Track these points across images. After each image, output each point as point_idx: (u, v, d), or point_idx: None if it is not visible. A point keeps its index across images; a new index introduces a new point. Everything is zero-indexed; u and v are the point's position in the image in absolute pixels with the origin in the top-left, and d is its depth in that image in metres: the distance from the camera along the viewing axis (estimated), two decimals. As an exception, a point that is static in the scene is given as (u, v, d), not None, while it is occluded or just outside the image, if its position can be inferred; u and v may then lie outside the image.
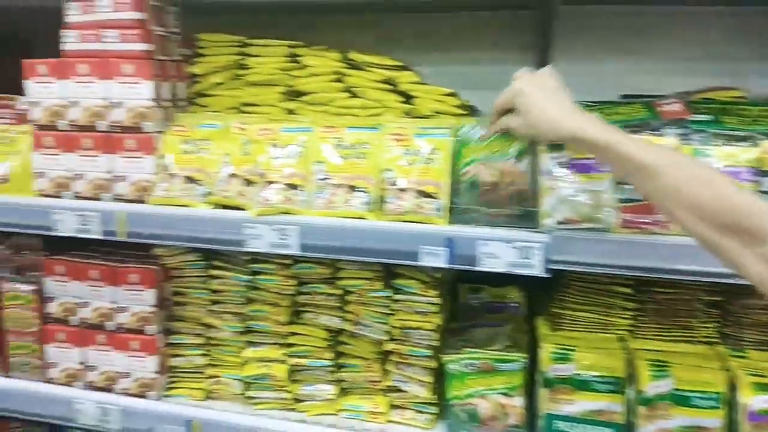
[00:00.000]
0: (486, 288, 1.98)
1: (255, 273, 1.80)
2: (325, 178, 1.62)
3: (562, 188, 1.43)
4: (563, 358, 1.61)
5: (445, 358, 1.70)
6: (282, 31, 1.83)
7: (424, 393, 1.72)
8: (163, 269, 1.85)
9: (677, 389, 1.52)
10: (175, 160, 1.72)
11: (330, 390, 1.79)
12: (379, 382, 1.77)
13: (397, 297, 1.71)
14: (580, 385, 1.60)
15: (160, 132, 1.74)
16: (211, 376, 1.87)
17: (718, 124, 1.42)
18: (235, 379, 1.85)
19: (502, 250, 1.44)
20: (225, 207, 1.67)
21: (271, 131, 1.67)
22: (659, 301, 1.66)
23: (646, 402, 1.54)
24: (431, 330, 1.71)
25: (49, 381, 1.94)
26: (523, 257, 1.44)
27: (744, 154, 1.38)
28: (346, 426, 1.74)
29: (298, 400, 1.81)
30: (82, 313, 1.87)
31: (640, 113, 1.49)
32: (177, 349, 1.89)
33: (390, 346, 1.73)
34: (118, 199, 1.74)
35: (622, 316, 1.69)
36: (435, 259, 1.49)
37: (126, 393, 1.87)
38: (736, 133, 1.38)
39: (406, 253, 1.51)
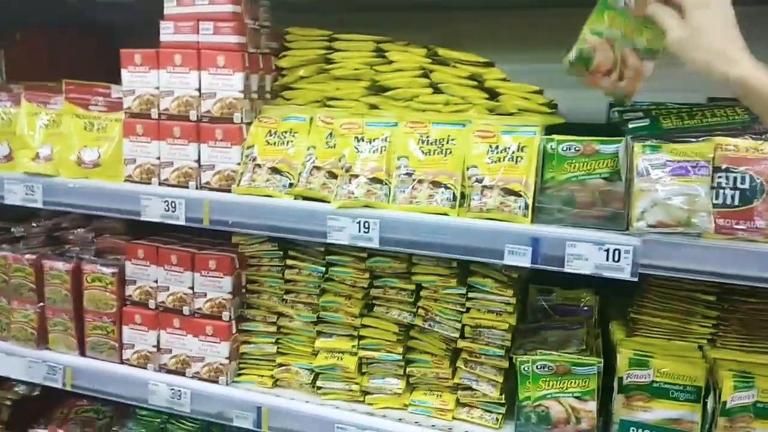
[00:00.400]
0: (557, 290, 1.96)
1: (330, 265, 1.82)
2: (409, 173, 1.62)
3: (657, 190, 1.41)
4: (641, 364, 1.59)
5: (520, 358, 1.69)
6: (368, 29, 1.85)
7: (494, 393, 1.72)
8: (240, 257, 1.88)
9: (760, 401, 1.48)
10: (260, 152, 1.76)
11: (398, 384, 1.79)
12: (448, 379, 1.77)
13: (472, 295, 1.71)
14: (658, 392, 1.57)
15: (247, 123, 1.77)
16: (280, 365, 1.90)
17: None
18: (304, 369, 1.87)
19: (591, 252, 1.43)
20: (307, 199, 1.69)
21: (356, 125, 1.69)
22: (743, 310, 1.62)
23: (727, 413, 1.50)
24: (504, 330, 1.70)
25: (124, 362, 1.98)
26: (611, 260, 1.42)
27: None
28: (412, 421, 1.74)
29: (365, 393, 1.82)
30: (160, 297, 1.91)
31: (740, 116, 1.47)
32: (248, 336, 1.92)
33: (462, 344, 1.72)
34: (204, 187, 1.77)
35: (703, 324, 1.66)
36: (520, 258, 1.48)
37: (197, 377, 1.90)
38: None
39: (490, 251, 1.51)
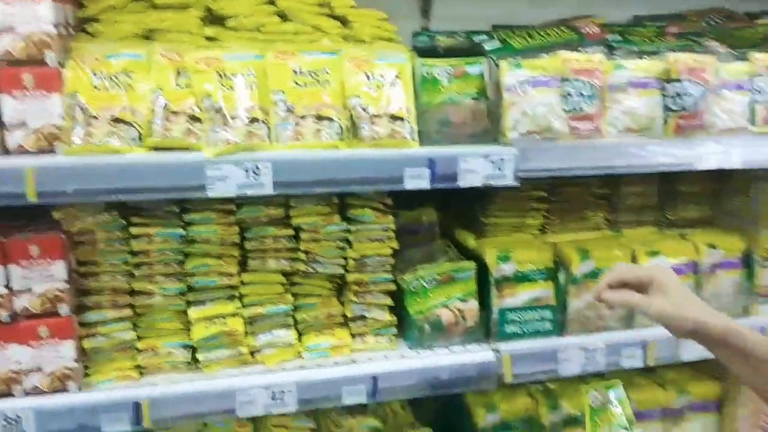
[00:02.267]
0: (401, 212, 2.01)
1: (189, 224, 1.56)
2: (290, 109, 1.46)
3: (523, 103, 1.53)
4: (505, 259, 1.76)
5: (406, 278, 1.72)
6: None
7: (386, 316, 1.73)
8: (70, 235, 1.48)
9: (597, 268, 1.79)
10: (89, 100, 1.36)
11: (289, 334, 1.67)
12: (339, 315, 1.72)
13: (353, 228, 1.66)
14: (521, 279, 1.78)
15: (62, 66, 1.35)
16: (144, 350, 1.59)
17: (629, 43, 1.67)
18: (177, 347, 1.60)
19: (480, 165, 1.51)
20: (169, 149, 1.40)
21: (214, 59, 1.43)
22: (563, 200, 1.90)
23: (575, 282, 1.78)
24: (388, 255, 1.70)
25: None
26: (496, 170, 1.52)
27: (653, 66, 1.65)
28: (314, 365, 1.66)
29: (254, 352, 1.66)
30: (-42, 307, 1.40)
31: (567, 35, 1.66)
32: (94, 328, 1.55)
33: (351, 277, 1.68)
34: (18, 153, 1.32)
35: (535, 216, 1.91)
36: (419, 181, 1.49)
37: (37, 392, 1.48)
38: (646, 49, 1.64)
39: (391, 179, 1.48)
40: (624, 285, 1.23)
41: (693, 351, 1.88)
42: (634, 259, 1.83)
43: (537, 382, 2.03)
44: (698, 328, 1.15)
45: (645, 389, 2.03)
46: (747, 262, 1.92)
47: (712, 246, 1.90)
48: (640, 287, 1.21)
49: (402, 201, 1.89)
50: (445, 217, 2.05)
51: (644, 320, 1.87)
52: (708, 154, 1.66)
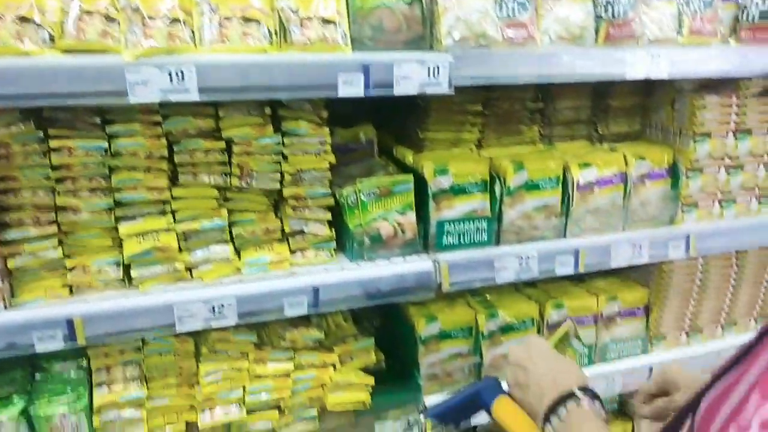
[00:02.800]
0: (338, 130, 1.98)
1: (113, 137, 1.49)
2: (213, 9, 1.38)
3: (457, 8, 1.50)
4: (443, 172, 1.77)
5: (344, 191, 1.71)
6: None
7: (325, 230, 1.72)
8: (-18, 148, 1.39)
9: (530, 179, 1.82)
10: (-10, -5, 1.25)
11: (226, 249, 1.65)
12: (277, 230, 1.70)
13: (288, 141, 1.62)
14: (457, 191, 1.79)
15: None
16: (74, 267, 1.54)
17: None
18: (108, 263, 1.55)
19: (415, 72, 1.48)
20: (84, 52, 1.31)
21: (129, -47, 1.33)
22: (498, 114, 1.91)
23: (510, 193, 1.81)
24: (325, 169, 1.68)
25: None
26: (432, 76, 1.50)
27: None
28: (254, 279, 1.64)
29: (191, 269, 1.63)
30: None
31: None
32: (18, 246, 1.49)
33: (288, 192, 1.65)
34: None
35: (471, 131, 1.91)
36: (353, 88, 1.45)
37: (-40, 313, 1.42)
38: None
39: (324, 86, 1.44)
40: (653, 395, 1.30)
41: (621, 259, 1.96)
42: (566, 171, 1.86)
43: (474, 290, 2.08)
44: None
45: (578, 297, 2.12)
46: (673, 173, 1.99)
47: (641, 157, 1.95)
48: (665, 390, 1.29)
49: (340, 119, 1.87)
50: (383, 136, 2.04)
51: (576, 230, 1.93)
52: (637, 64, 1.68)
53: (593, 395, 1.00)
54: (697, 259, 2.14)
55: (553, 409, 1.01)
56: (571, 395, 1.00)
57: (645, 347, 2.21)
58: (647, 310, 2.19)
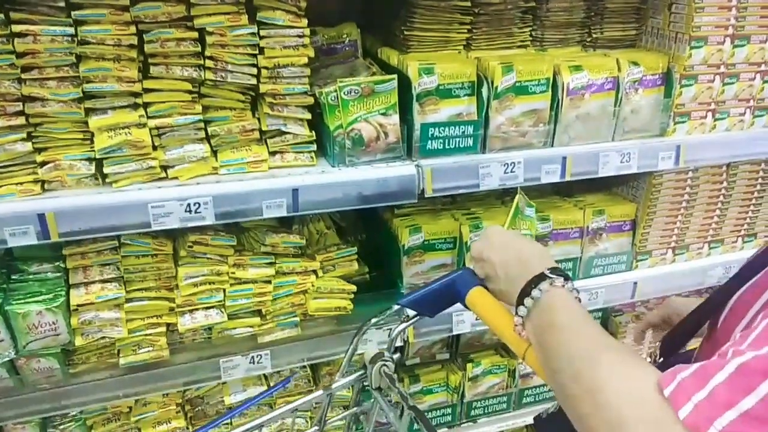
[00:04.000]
0: (320, 30, 1.90)
1: (79, 23, 1.41)
2: None
3: None
4: (428, 72, 1.70)
5: (325, 90, 1.64)
6: None
7: (305, 131, 1.67)
8: (-62, 29, 1.31)
9: (518, 81, 1.75)
10: None
11: (202, 148, 1.59)
12: (255, 130, 1.64)
13: (264, 32, 1.54)
14: (443, 93, 1.73)
15: None
16: (45, 162, 1.48)
17: None
18: (80, 159, 1.50)
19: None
20: None
21: None
22: (489, 13, 1.82)
23: (497, 96, 1.75)
24: (304, 65, 1.61)
25: None
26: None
27: None
28: (231, 180, 1.60)
29: (166, 168, 1.58)
30: None
31: None
32: (-16, 139, 1.43)
33: (265, 88, 1.59)
34: None
35: (460, 31, 1.82)
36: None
37: (-75, 205, 1.37)
38: None
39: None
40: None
41: (610, 168, 1.91)
42: (557, 73, 1.79)
43: (459, 202, 2.05)
44: None
45: (565, 210, 2.09)
46: (667, 81, 1.93)
47: (634, 63, 1.88)
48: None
49: (323, 18, 1.78)
50: (368, 37, 1.95)
51: (564, 138, 1.87)
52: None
53: (564, 276, 0.97)
54: (687, 173, 2.10)
55: (526, 292, 0.98)
56: (542, 276, 0.97)
57: (630, 263, 2.20)
58: (634, 225, 2.16)
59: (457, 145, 1.76)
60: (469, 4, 1.78)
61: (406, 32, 1.78)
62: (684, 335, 1.14)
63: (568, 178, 1.86)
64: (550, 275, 0.96)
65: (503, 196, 2.14)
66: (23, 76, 1.41)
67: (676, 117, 1.97)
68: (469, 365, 2.23)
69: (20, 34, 1.37)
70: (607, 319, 2.52)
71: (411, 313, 1.24)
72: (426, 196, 1.72)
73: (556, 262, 1.01)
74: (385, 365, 1.24)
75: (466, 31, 1.83)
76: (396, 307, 1.22)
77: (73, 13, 1.39)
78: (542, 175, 1.83)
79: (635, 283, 2.19)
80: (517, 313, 0.99)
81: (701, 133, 2.02)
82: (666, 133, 1.98)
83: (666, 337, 1.24)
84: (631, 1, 1.96)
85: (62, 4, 1.39)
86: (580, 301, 0.96)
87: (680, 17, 1.88)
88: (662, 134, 1.99)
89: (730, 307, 0.89)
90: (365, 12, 1.99)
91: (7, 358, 1.55)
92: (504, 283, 1.07)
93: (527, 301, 0.96)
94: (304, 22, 1.55)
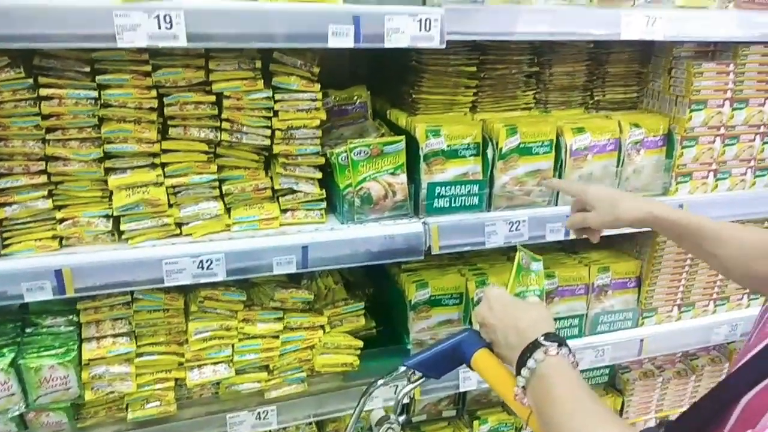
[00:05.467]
0: (332, 92, 1.96)
1: (103, 87, 1.47)
2: (203, -44, 1.36)
3: (451, -39, 1.47)
4: (435, 133, 1.75)
5: (336, 151, 1.69)
6: None
7: (315, 190, 1.70)
8: (-30, 94, 1.37)
9: (522, 142, 1.80)
10: (-23, -66, 1.23)
11: (216, 206, 1.63)
12: (267, 188, 1.68)
13: (278, 96, 1.60)
14: (449, 154, 1.77)
15: None
16: (64, 219, 1.52)
17: None
18: (98, 216, 1.54)
19: (407, 25, 1.46)
20: (72, -4, 1.29)
21: None
22: (494, 77, 1.88)
23: (502, 157, 1.79)
24: (316, 127, 1.66)
25: None
26: (424, 30, 1.48)
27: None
28: (243, 237, 1.63)
29: (180, 225, 1.61)
30: None
31: None
32: (7, 196, 1.47)
33: (278, 149, 1.63)
34: None
35: (466, 94, 1.88)
36: (344, 39, 1.43)
37: (-53, 260, 1.41)
38: None
39: (314, 35, 1.41)
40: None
41: (614, 226, 1.92)
42: (560, 135, 1.84)
43: (465, 257, 2.07)
44: (633, 221, 1.38)
45: (570, 267, 2.10)
46: (668, 142, 1.97)
47: (636, 125, 1.93)
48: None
49: (334, 81, 1.84)
50: (378, 99, 2.01)
51: (568, 200, 1.90)
52: (632, 24, 1.65)
53: (559, 341, 0.98)
54: (691, 231, 2.11)
55: (523, 362, 0.99)
56: (536, 344, 0.99)
57: (636, 320, 2.19)
58: (639, 282, 2.17)
59: (463, 204, 1.79)
60: (474, 69, 1.83)
61: (414, 95, 1.83)
62: None
63: (572, 237, 1.87)
64: (544, 342, 0.97)
65: (509, 251, 2.15)
66: (47, 136, 1.46)
67: (678, 177, 2.00)
68: (475, 422, 2.20)
69: (47, 97, 1.43)
70: (614, 375, 2.49)
71: (418, 373, 1.24)
72: (433, 253, 1.74)
73: (562, 319, 1.04)
74: (390, 428, 1.24)
75: (471, 94, 1.88)
76: (402, 368, 1.23)
77: (97, 77, 1.45)
78: (547, 233, 1.85)
79: (641, 340, 2.18)
80: (516, 383, 1.00)
81: (703, 192, 2.05)
82: (668, 192, 2.01)
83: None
84: (631, 66, 2.02)
85: (87, 69, 1.45)
86: (577, 365, 0.97)
87: (680, 81, 1.94)
88: (665, 193, 2.01)
89: (740, 415, 0.79)
90: (375, 75, 2.06)
91: (18, 412, 1.55)
92: (504, 348, 1.09)
93: (524, 371, 0.98)
94: (317, 87, 1.61)
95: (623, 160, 1.92)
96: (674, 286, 2.21)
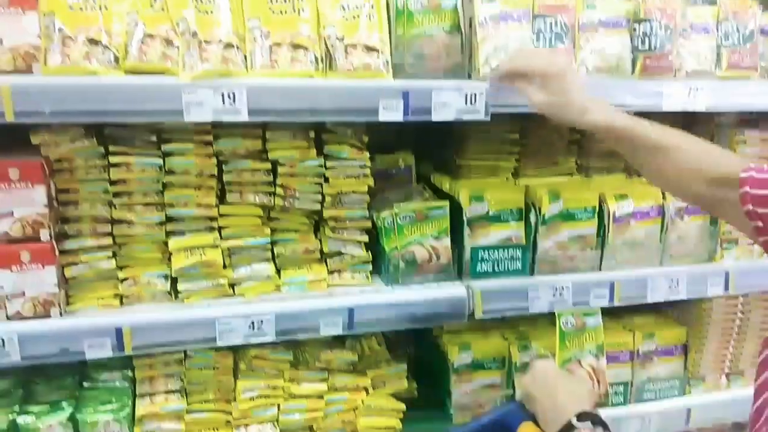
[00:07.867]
0: (378, 156, 1.99)
1: (168, 155, 1.53)
2: (264, 36, 1.43)
3: (496, 38, 1.51)
4: (479, 199, 1.75)
5: (382, 214, 1.71)
6: None
7: (362, 252, 1.72)
8: (48, 162, 1.45)
9: (565, 208, 1.79)
10: (65, 20, 1.33)
11: (267, 268, 1.65)
12: (316, 251, 1.70)
13: (330, 164, 1.64)
14: (493, 219, 1.77)
15: (37, -16, 1.31)
16: (125, 279, 1.57)
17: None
18: (157, 276, 1.58)
19: (453, 99, 1.49)
20: (144, 74, 1.37)
21: (192, -16, 1.40)
22: (536, 143, 1.89)
23: (545, 222, 1.78)
24: (364, 192, 1.69)
25: None
26: (469, 104, 1.51)
27: (623, 6, 1.63)
28: (292, 298, 1.64)
29: (234, 285, 1.64)
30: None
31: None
32: (75, 256, 1.53)
33: (328, 213, 1.66)
34: (-7, 71, 1.29)
35: (509, 159, 1.89)
36: (393, 113, 1.47)
37: (19, 317, 1.45)
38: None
39: (366, 110, 1.46)
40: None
41: (658, 294, 1.88)
42: (602, 202, 1.82)
43: (509, 320, 2.03)
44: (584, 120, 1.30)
45: (614, 333, 2.04)
46: (712, 208, 1.92)
47: (679, 191, 1.89)
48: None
49: (380, 146, 1.88)
50: (422, 163, 2.04)
51: (611, 263, 1.86)
52: (674, 96, 1.65)
53: (594, 420, 0.96)
54: (738, 298, 2.03)
55: None
56: (570, 428, 0.97)
57: (682, 388, 2.10)
58: (685, 349, 2.08)
59: (506, 268, 1.78)
60: (517, 135, 1.85)
61: (457, 160, 1.85)
62: None
63: (616, 303, 1.83)
64: (576, 425, 0.96)
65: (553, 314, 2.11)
66: (115, 201, 1.52)
67: (724, 243, 1.95)
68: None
69: (116, 164, 1.50)
70: (661, 445, 2.36)
71: None
72: (476, 317, 1.72)
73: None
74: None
75: (514, 159, 1.89)
76: None
77: (162, 146, 1.52)
78: (591, 299, 1.82)
79: (689, 410, 2.08)
80: None
81: (750, 258, 1.98)
82: (714, 258, 1.95)
83: None
84: (672, 134, 2.00)
85: (154, 138, 1.52)
86: None
87: (723, 146, 1.90)
88: (710, 260, 1.96)
89: None
90: (419, 139, 2.09)
91: (72, 466, 1.56)
92: (545, 423, 1.07)
93: None
94: (366, 155, 1.65)
95: (667, 226, 1.88)
96: (722, 354, 2.11)
